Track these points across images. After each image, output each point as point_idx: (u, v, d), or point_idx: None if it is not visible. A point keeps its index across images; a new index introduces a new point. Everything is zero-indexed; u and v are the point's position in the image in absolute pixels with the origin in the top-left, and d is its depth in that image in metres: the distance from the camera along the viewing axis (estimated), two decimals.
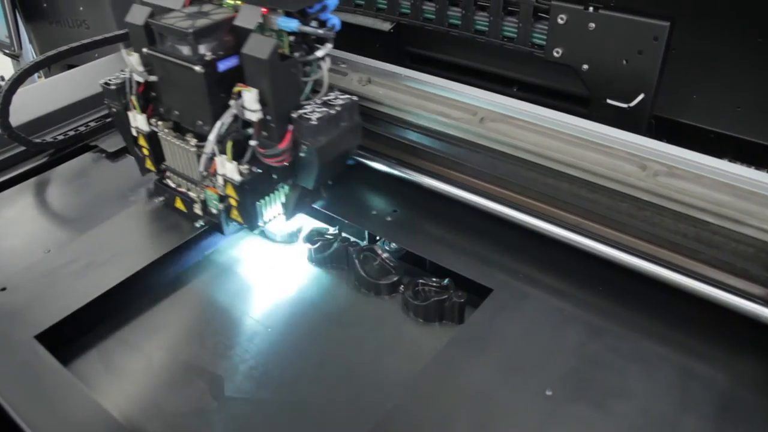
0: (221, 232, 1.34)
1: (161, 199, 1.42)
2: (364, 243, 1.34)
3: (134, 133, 1.38)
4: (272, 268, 1.35)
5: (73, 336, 1.18)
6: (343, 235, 1.36)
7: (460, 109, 1.27)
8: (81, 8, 2.12)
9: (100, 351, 1.18)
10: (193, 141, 1.26)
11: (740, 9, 1.29)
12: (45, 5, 2.22)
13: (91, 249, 1.34)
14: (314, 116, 1.18)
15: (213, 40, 1.17)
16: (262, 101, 1.15)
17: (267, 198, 1.28)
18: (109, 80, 1.37)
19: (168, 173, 1.39)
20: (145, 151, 1.39)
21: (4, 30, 2.33)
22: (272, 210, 1.32)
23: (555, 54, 1.35)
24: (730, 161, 1.11)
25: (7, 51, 2.40)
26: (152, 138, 1.35)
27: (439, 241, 1.31)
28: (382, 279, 1.25)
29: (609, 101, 1.32)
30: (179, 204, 1.38)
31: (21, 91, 1.54)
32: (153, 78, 1.27)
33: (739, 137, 1.36)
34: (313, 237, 1.36)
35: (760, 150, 1.34)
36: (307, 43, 1.20)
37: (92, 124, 1.75)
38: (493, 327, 1.12)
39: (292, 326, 1.21)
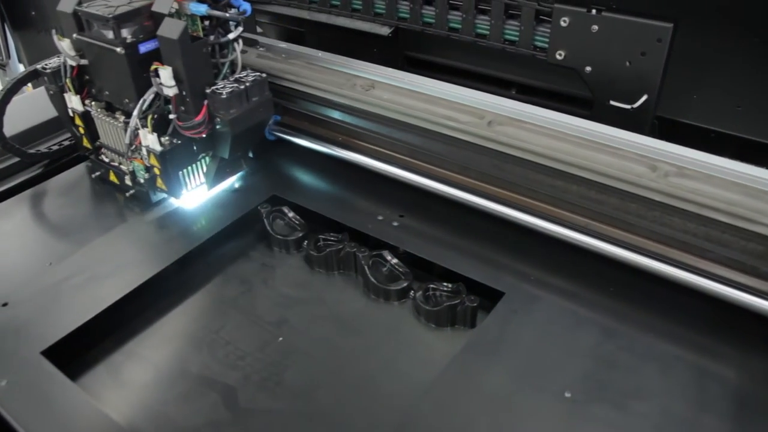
0: (150, 201, 1.48)
1: (97, 174, 1.56)
2: None
3: (70, 113, 1.51)
4: (279, 275, 1.33)
5: (80, 350, 1.16)
6: None
7: (467, 113, 1.27)
8: None
9: (108, 365, 1.15)
10: (122, 118, 1.40)
11: (738, 10, 1.30)
12: (33, 13, 2.18)
13: (93, 261, 1.31)
14: (225, 91, 1.32)
15: (134, 24, 1.31)
16: (177, 78, 1.29)
17: (189, 168, 1.44)
18: (46, 65, 1.47)
19: (102, 150, 1.53)
20: (81, 130, 1.52)
21: None
22: (194, 179, 1.46)
23: (558, 57, 1.36)
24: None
25: None
26: (87, 117, 1.49)
27: (448, 245, 1.30)
28: (393, 285, 1.24)
29: (612, 103, 1.33)
30: (113, 177, 1.53)
31: (12, 101, 1.52)
32: (84, 61, 1.41)
33: (740, 136, 1.37)
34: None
35: (760, 148, 1.36)
36: (222, 27, 1.36)
37: None
38: (507, 330, 1.11)
39: (303, 334, 1.20)
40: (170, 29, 1.27)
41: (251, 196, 1.48)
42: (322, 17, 1.74)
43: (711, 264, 1.12)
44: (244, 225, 1.43)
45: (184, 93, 1.31)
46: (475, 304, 1.16)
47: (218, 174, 1.50)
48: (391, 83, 1.40)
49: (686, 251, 1.13)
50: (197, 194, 1.48)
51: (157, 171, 1.39)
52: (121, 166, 1.49)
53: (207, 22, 1.35)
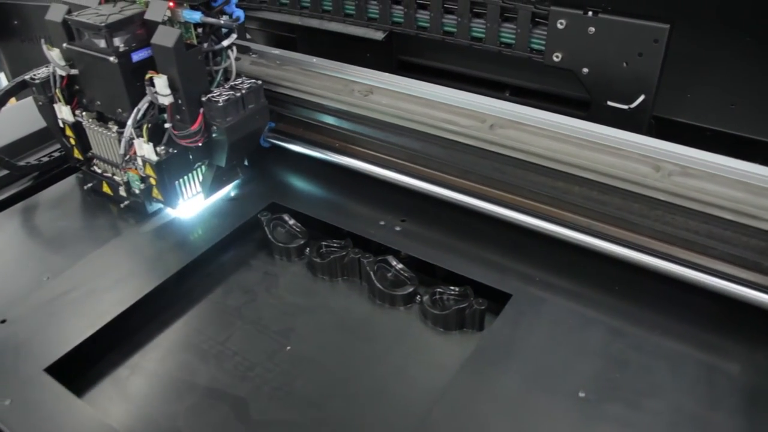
0: (146, 211, 1.45)
1: (89, 185, 1.52)
2: None
3: (60, 124, 1.48)
4: (282, 283, 1.32)
5: (84, 366, 1.14)
6: None
7: (467, 117, 1.27)
8: None
9: (114, 379, 1.13)
10: (115, 128, 1.38)
11: (730, 9, 1.33)
12: (16, 23, 2.14)
13: (92, 274, 1.29)
14: (221, 99, 1.31)
15: (126, 33, 1.29)
16: (172, 86, 1.27)
17: (185, 178, 1.42)
18: (35, 75, 1.45)
19: (95, 161, 1.50)
20: (72, 141, 1.50)
21: None
22: (191, 188, 1.44)
23: (554, 59, 1.37)
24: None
25: None
26: (78, 128, 1.46)
27: (452, 248, 1.30)
28: (399, 290, 1.24)
29: (610, 103, 1.34)
30: (106, 188, 1.50)
31: None
32: (74, 71, 1.38)
33: (734, 133, 1.40)
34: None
35: (755, 145, 1.38)
36: (215, 35, 1.35)
37: None
38: (517, 332, 1.12)
39: (311, 342, 1.19)
40: (165, 37, 1.25)
41: (250, 204, 1.47)
42: (314, 23, 1.73)
43: (714, 261, 1.13)
44: (243, 233, 1.42)
45: (179, 101, 1.29)
46: (483, 307, 1.16)
47: (214, 183, 1.48)
48: (389, 88, 1.40)
49: (689, 249, 1.15)
50: (193, 204, 1.46)
51: (153, 181, 1.37)
52: (115, 177, 1.47)
53: (200, 30, 1.34)
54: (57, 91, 1.42)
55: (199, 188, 1.47)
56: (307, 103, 1.51)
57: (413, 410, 1.03)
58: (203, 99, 1.32)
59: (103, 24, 1.26)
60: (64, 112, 1.45)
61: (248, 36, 1.97)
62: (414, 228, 1.36)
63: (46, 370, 1.08)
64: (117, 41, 1.29)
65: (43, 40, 1.38)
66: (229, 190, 1.52)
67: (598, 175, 1.14)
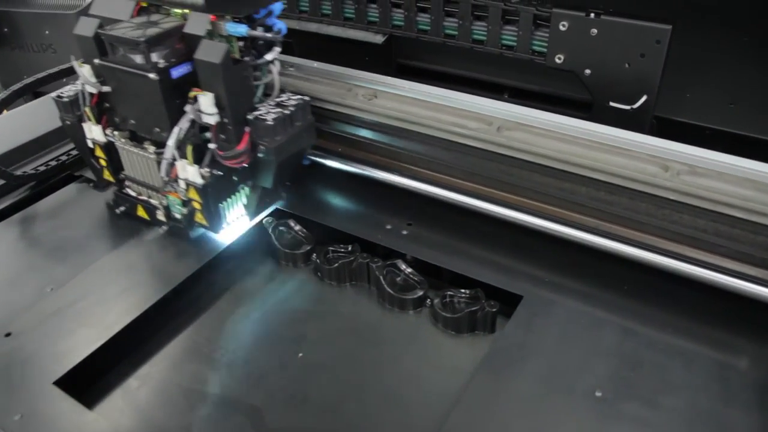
0: (186, 236, 1.36)
1: (122, 209, 1.43)
2: None
3: (90, 144, 1.40)
4: (290, 289, 1.31)
5: (94, 378, 1.12)
6: None
7: (474, 120, 1.28)
8: (47, 32, 2.02)
9: (124, 391, 1.12)
10: (152, 148, 1.29)
11: (728, 10, 1.35)
12: (6, 30, 2.11)
13: (96, 285, 1.27)
14: (270, 117, 1.23)
15: (165, 48, 1.21)
16: (218, 104, 1.20)
17: (229, 200, 1.33)
18: (62, 93, 1.38)
19: (127, 182, 1.41)
20: (103, 162, 1.42)
21: None
22: (234, 211, 1.36)
23: (557, 60, 1.38)
24: None
25: None
26: (109, 148, 1.38)
27: (460, 251, 1.30)
28: (409, 294, 1.23)
29: (612, 104, 1.35)
30: (141, 212, 1.41)
31: None
32: (106, 88, 1.30)
33: (734, 132, 1.42)
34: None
35: (754, 143, 1.40)
36: (255, 48, 1.25)
37: (74, 152, 1.67)
38: (530, 334, 1.12)
39: (323, 348, 1.18)
40: (211, 52, 1.17)
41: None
42: (312, 26, 1.73)
43: (722, 258, 1.14)
44: (249, 240, 1.41)
45: (225, 120, 1.21)
46: (494, 310, 1.17)
47: (259, 204, 1.40)
48: (393, 92, 1.40)
49: (697, 247, 1.16)
50: (236, 227, 1.38)
51: (196, 205, 1.28)
52: (151, 200, 1.38)
53: (242, 44, 1.24)
54: (87, 109, 1.34)
55: (242, 211, 1.38)
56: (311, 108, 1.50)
57: (430, 414, 1.03)
58: (250, 117, 1.24)
59: (142, 39, 1.17)
60: (94, 132, 1.37)
61: None
62: (421, 231, 1.36)
63: (55, 383, 1.07)
64: (155, 57, 1.20)
65: (72, 56, 1.32)
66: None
67: (610, 176, 1.15)
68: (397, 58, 1.74)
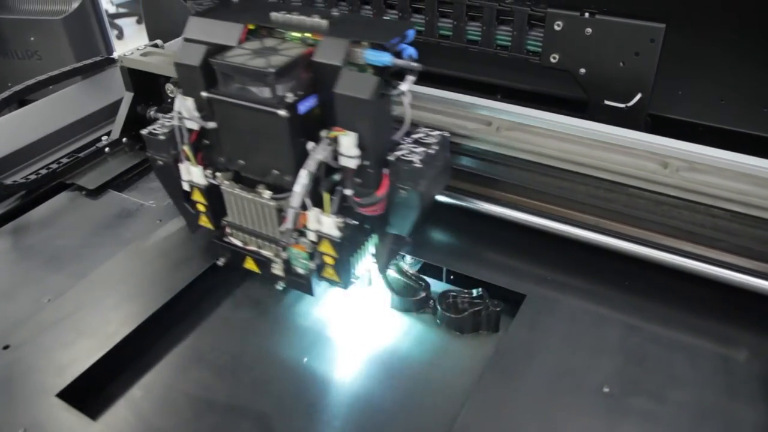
0: (309, 293, 1.20)
1: (222, 260, 1.27)
2: None
3: (186, 187, 1.22)
4: (291, 294, 1.30)
5: (97, 389, 1.11)
6: None
7: (473, 120, 1.28)
8: (32, 38, 1.98)
9: (129, 401, 1.10)
10: (267, 193, 1.12)
11: (718, 9, 1.37)
12: None
13: (95, 294, 1.25)
14: (415, 158, 1.06)
15: (290, 78, 1.03)
16: (360, 145, 1.03)
17: (359, 251, 1.17)
18: (154, 129, 1.21)
19: (230, 230, 1.23)
20: (201, 207, 1.24)
21: None
22: (362, 263, 1.21)
23: (552, 60, 1.39)
24: None
25: None
26: (211, 192, 1.20)
27: (461, 252, 1.31)
28: (412, 296, 1.24)
29: (607, 102, 1.36)
30: (250, 264, 1.23)
31: None
32: (212, 124, 1.12)
33: (725, 128, 1.44)
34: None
35: (743, 138, 1.43)
36: (383, 77, 1.05)
37: (64, 160, 1.65)
38: (534, 333, 1.13)
39: (328, 352, 1.18)
40: (357, 86, 1.00)
41: None
42: None
43: (721, 253, 1.16)
44: None
45: (366, 163, 1.04)
46: (498, 309, 1.17)
47: (389, 253, 1.22)
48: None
49: (696, 242, 1.17)
50: (363, 280, 1.26)
51: (328, 260, 1.12)
52: (263, 251, 1.20)
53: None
54: (185, 148, 1.16)
55: (370, 261, 1.23)
56: None
57: (439, 415, 1.03)
58: (390, 158, 1.07)
59: (271, 70, 0.99)
60: (193, 174, 1.19)
61: None
62: (421, 232, 1.36)
63: (58, 396, 1.05)
64: (281, 89, 1.02)
65: (171, 87, 1.18)
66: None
67: (611, 174, 1.16)
68: None
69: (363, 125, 1.01)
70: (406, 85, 1.04)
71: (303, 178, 1.03)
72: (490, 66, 1.61)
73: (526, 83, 1.60)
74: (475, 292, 1.21)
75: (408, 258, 1.31)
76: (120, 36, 5.74)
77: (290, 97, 1.01)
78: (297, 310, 1.27)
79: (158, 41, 1.77)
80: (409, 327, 1.22)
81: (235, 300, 1.29)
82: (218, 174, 1.17)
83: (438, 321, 1.21)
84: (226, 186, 1.17)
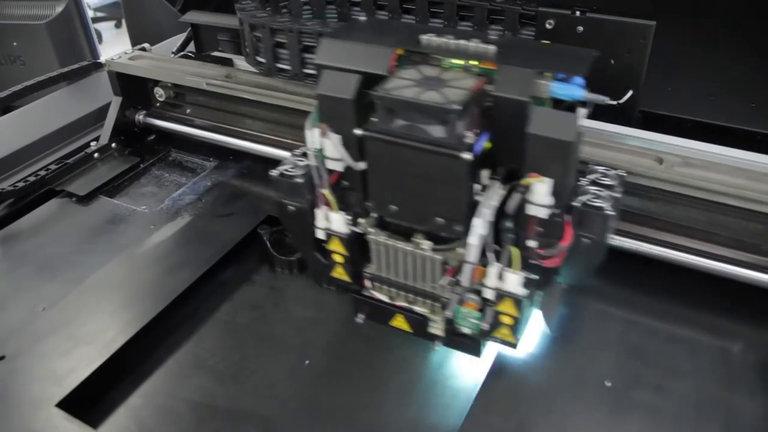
0: (476, 355, 1.06)
1: (361, 316, 1.12)
2: None
3: (322, 235, 1.05)
4: (289, 297, 1.30)
5: (96, 398, 1.09)
6: None
7: None
8: (15, 43, 1.95)
9: (129, 409, 1.09)
10: (427, 243, 0.98)
11: (706, 6, 1.39)
12: None
13: (91, 301, 1.24)
14: (605, 204, 0.93)
15: (469, 115, 0.88)
16: (554, 192, 0.89)
17: (531, 306, 1.02)
18: (286, 170, 1.04)
19: (373, 282, 1.08)
20: (339, 258, 1.07)
21: None
22: (530, 318, 1.06)
23: None
24: None
25: None
26: (352, 241, 1.05)
27: None
28: None
29: None
30: (401, 323, 1.08)
31: None
32: (362, 165, 0.97)
33: (714, 123, 1.46)
34: None
35: (732, 133, 1.45)
36: None
37: (52, 166, 1.62)
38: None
39: (329, 354, 1.17)
40: (556, 125, 0.85)
41: (246, 219, 1.44)
42: None
43: (715, 246, 1.17)
44: (243, 249, 1.39)
45: (555, 211, 0.91)
46: None
47: (558, 305, 1.11)
48: None
49: (691, 236, 1.19)
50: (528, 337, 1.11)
51: (507, 320, 0.97)
52: (416, 307, 1.05)
53: None
54: (326, 192, 1.00)
55: (537, 316, 1.09)
56: None
57: (449, 414, 1.04)
58: (576, 204, 0.93)
59: (455, 107, 0.83)
60: (334, 222, 1.03)
61: (220, 48, 1.93)
62: None
63: (58, 405, 1.04)
64: (459, 127, 0.86)
65: (311, 123, 0.96)
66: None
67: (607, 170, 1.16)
68: None
69: (559, 169, 0.87)
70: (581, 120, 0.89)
71: (479, 228, 0.89)
72: None
73: None
74: None
75: None
76: (99, 40, 5.67)
77: (470, 137, 0.87)
78: (296, 313, 1.27)
79: (146, 45, 1.75)
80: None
81: (232, 305, 1.29)
82: (360, 221, 1.03)
83: None
84: (373, 235, 1.02)
